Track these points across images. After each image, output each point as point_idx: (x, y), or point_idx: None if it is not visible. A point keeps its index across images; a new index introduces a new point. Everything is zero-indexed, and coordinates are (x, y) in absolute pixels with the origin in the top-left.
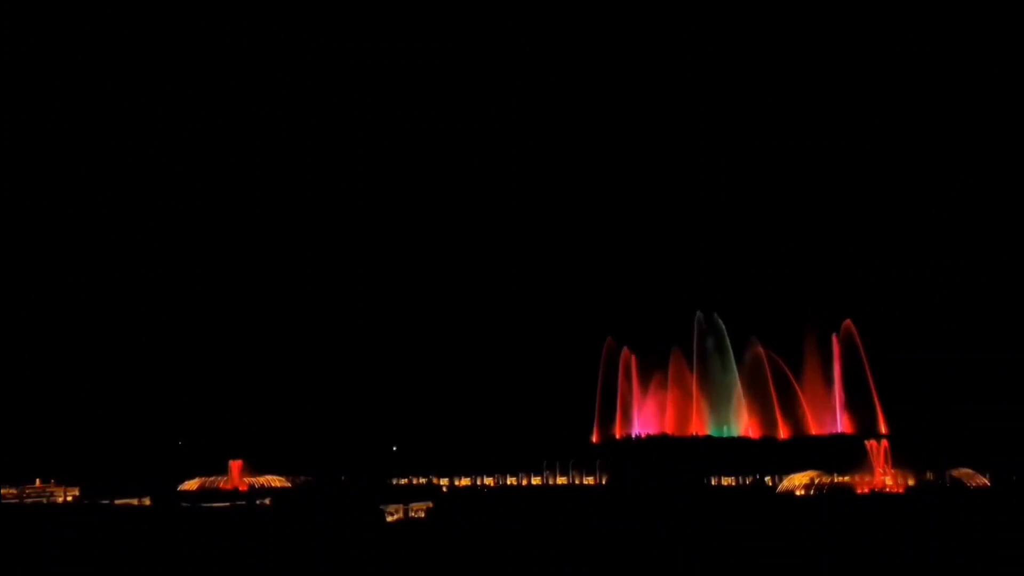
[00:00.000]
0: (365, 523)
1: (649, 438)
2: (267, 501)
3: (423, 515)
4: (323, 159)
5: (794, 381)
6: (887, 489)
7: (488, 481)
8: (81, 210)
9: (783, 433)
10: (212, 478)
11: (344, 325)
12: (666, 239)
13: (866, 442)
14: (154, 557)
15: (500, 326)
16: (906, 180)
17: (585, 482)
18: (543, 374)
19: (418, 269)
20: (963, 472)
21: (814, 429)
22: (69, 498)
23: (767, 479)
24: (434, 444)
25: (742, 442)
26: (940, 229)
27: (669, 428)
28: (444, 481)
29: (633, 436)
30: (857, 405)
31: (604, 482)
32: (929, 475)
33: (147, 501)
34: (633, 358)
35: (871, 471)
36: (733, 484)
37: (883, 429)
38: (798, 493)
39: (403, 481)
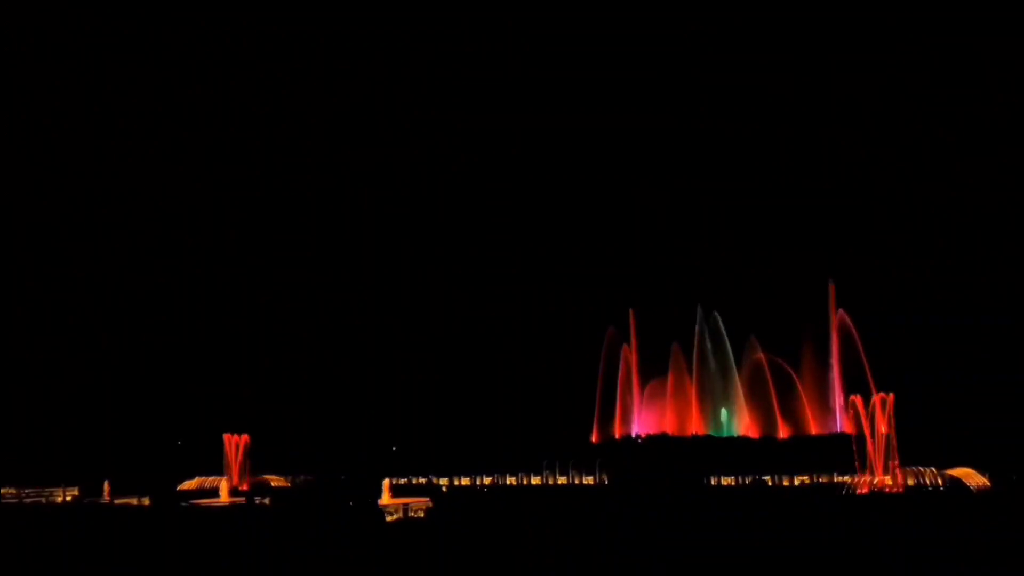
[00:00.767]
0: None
1: (649, 438)
2: (267, 501)
3: (422, 515)
4: (323, 159)
5: (796, 380)
6: (887, 489)
7: (487, 481)
8: (81, 210)
9: (783, 433)
10: (212, 478)
11: (344, 325)
12: (666, 238)
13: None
14: (154, 557)
15: (500, 326)
16: (906, 180)
17: (585, 482)
18: (543, 374)
19: (418, 268)
20: (963, 472)
21: (814, 429)
22: (69, 498)
23: (767, 479)
24: (434, 444)
25: (742, 442)
26: (940, 229)
27: (669, 428)
28: (444, 481)
29: (633, 436)
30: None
31: (604, 482)
32: (929, 475)
33: (147, 501)
34: (634, 356)
35: (871, 471)
36: (733, 484)
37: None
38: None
39: (403, 481)
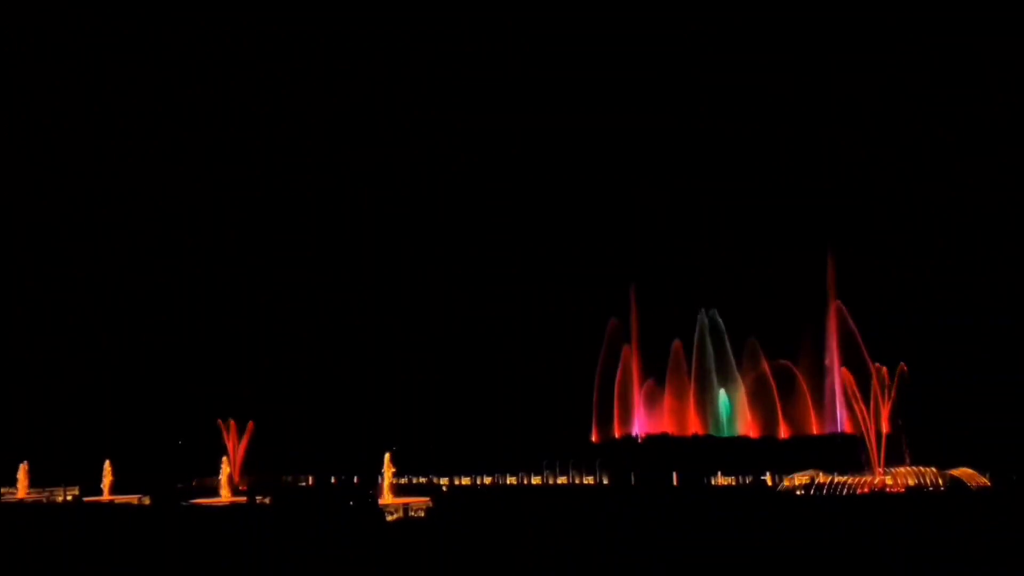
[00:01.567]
0: (365, 523)
1: (649, 437)
2: (267, 501)
3: (423, 514)
4: (323, 159)
5: (796, 379)
6: (887, 489)
7: (487, 481)
8: (81, 210)
9: (783, 433)
10: (212, 478)
11: (344, 325)
12: (666, 238)
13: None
14: (154, 557)
15: (500, 326)
16: (906, 180)
17: (585, 482)
18: (543, 374)
19: (418, 268)
20: (963, 472)
21: (814, 429)
22: (69, 498)
23: (767, 479)
24: (434, 444)
25: (742, 442)
26: (940, 229)
27: (668, 427)
28: (444, 481)
29: (633, 435)
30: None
31: (604, 482)
32: (929, 475)
33: (147, 501)
34: (634, 355)
35: (871, 471)
36: (733, 484)
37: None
38: (798, 492)
39: (403, 481)
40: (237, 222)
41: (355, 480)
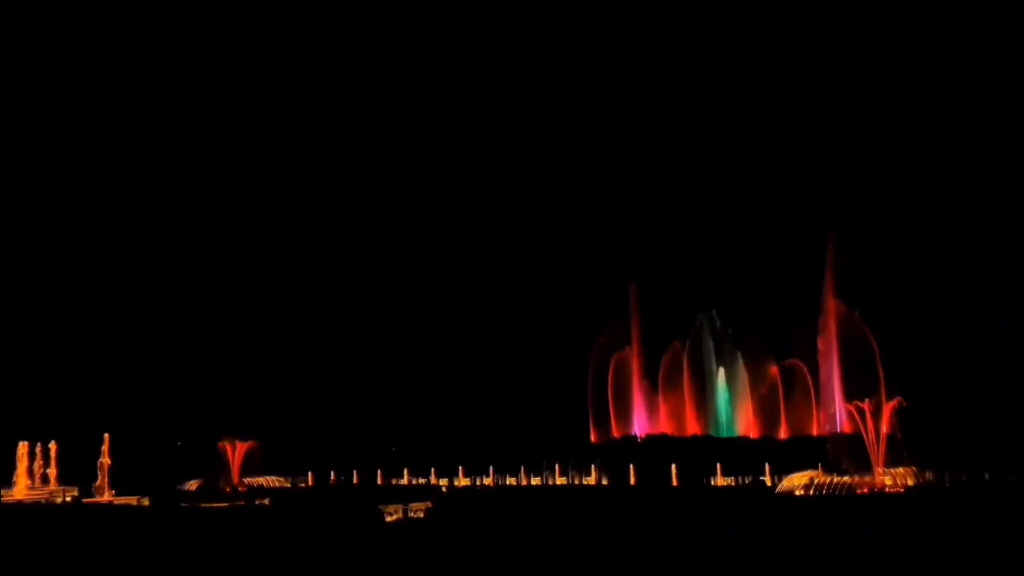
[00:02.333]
0: (364, 523)
1: (649, 438)
2: (267, 501)
3: (422, 515)
4: (323, 159)
5: (807, 375)
6: (887, 489)
7: (487, 481)
8: (81, 210)
9: (783, 433)
10: (211, 478)
11: (344, 325)
12: (666, 238)
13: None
14: (153, 557)
15: (500, 326)
16: (906, 180)
17: (585, 482)
18: (543, 374)
19: (418, 268)
20: (963, 472)
21: (815, 429)
22: (68, 498)
23: (767, 479)
24: (434, 444)
25: (742, 442)
26: (940, 229)
27: (667, 428)
28: (443, 481)
29: (632, 435)
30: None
31: (604, 482)
32: (929, 475)
33: (147, 501)
34: (634, 356)
35: (871, 471)
36: (732, 484)
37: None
38: (798, 493)
39: (402, 481)
40: (237, 222)
41: (354, 480)
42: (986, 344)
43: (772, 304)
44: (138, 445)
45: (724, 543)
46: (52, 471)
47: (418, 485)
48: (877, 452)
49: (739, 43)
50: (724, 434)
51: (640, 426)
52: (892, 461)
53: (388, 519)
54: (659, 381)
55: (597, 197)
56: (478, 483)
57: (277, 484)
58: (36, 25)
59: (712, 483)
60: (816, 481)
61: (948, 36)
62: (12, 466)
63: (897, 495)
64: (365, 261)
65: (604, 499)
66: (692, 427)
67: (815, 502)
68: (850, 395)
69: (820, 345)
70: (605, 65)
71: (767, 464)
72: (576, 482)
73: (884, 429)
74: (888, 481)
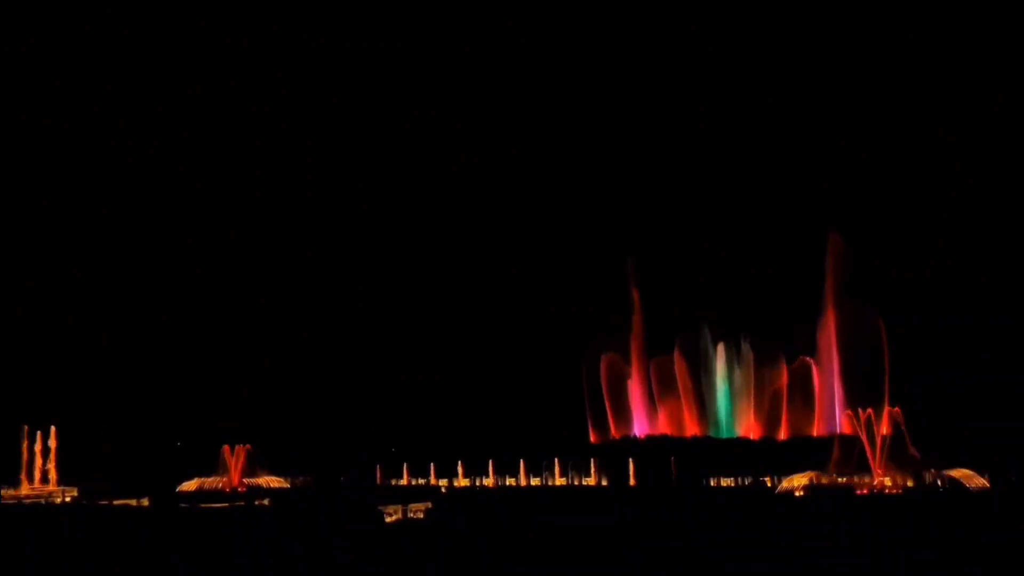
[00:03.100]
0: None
1: (649, 438)
2: (266, 501)
3: (422, 515)
4: (323, 159)
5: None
6: (887, 490)
7: (487, 482)
8: (81, 210)
9: (783, 433)
10: (211, 478)
11: (344, 325)
12: (666, 238)
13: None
14: (153, 557)
15: (500, 326)
16: (906, 180)
17: (584, 483)
18: (543, 374)
19: (418, 268)
20: (962, 472)
21: (814, 429)
22: (68, 498)
23: (767, 479)
24: (434, 444)
25: (742, 442)
26: (940, 229)
27: (667, 428)
28: (443, 482)
29: (632, 436)
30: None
31: (604, 483)
32: (929, 475)
33: (146, 501)
34: (634, 358)
35: (870, 471)
36: (732, 484)
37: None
38: (797, 493)
39: (402, 481)
40: (237, 222)
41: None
42: (986, 344)
43: (772, 304)
44: (138, 445)
45: (724, 543)
46: (51, 467)
47: (418, 485)
48: (876, 454)
49: (739, 43)
50: (724, 435)
51: (640, 427)
52: (891, 462)
53: (388, 519)
54: (658, 381)
55: (597, 197)
56: (478, 483)
57: (277, 484)
58: (36, 25)
59: (712, 484)
60: (815, 482)
61: (948, 36)
62: (17, 456)
63: (896, 496)
64: (365, 261)
65: (604, 499)
66: (692, 428)
67: (815, 502)
68: (852, 395)
69: (820, 344)
70: (605, 65)
71: (767, 465)
72: (576, 482)
73: (884, 431)
74: (887, 482)
